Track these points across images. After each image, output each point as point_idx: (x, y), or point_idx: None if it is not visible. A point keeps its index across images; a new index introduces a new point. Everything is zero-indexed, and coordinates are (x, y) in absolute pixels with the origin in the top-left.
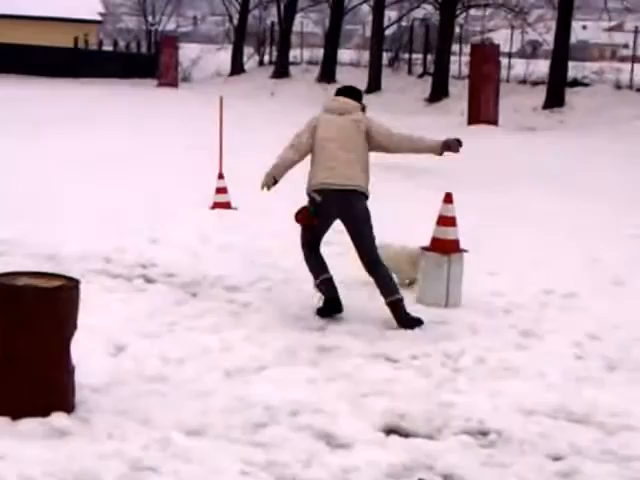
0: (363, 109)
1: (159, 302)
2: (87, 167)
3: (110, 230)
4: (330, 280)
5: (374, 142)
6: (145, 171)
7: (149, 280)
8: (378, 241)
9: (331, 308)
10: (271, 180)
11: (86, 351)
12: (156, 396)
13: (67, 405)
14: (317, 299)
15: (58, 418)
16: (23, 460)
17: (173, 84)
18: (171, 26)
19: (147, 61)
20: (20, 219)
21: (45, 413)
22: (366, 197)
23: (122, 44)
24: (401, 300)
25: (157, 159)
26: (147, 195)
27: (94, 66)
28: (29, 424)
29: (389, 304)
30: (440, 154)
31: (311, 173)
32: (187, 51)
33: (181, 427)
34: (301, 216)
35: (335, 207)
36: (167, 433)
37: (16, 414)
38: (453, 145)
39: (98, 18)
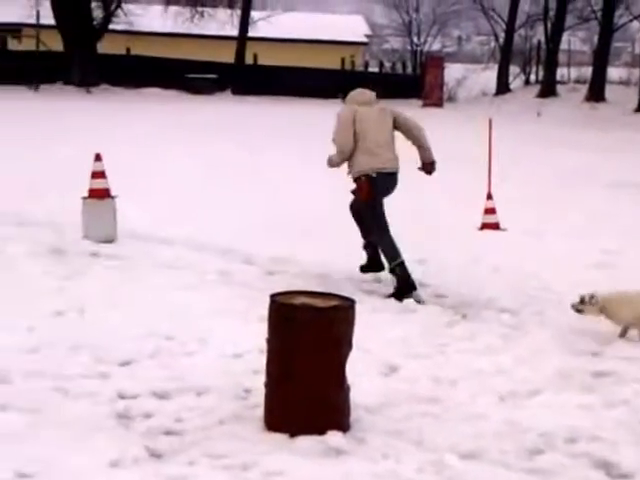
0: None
1: (430, 323)
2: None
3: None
4: (404, 263)
5: (403, 128)
6: (414, 189)
7: (419, 300)
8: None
9: (409, 288)
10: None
11: (360, 371)
12: (429, 417)
13: (343, 424)
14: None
15: (334, 437)
16: (300, 477)
17: (438, 104)
18: (436, 46)
19: (412, 81)
20: (289, 237)
21: (321, 431)
22: None
23: (387, 65)
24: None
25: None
26: (416, 216)
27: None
28: (306, 442)
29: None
30: (422, 165)
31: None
32: (452, 71)
33: (455, 450)
34: (365, 192)
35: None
36: (441, 455)
37: (294, 431)
38: (428, 167)
39: (364, 40)
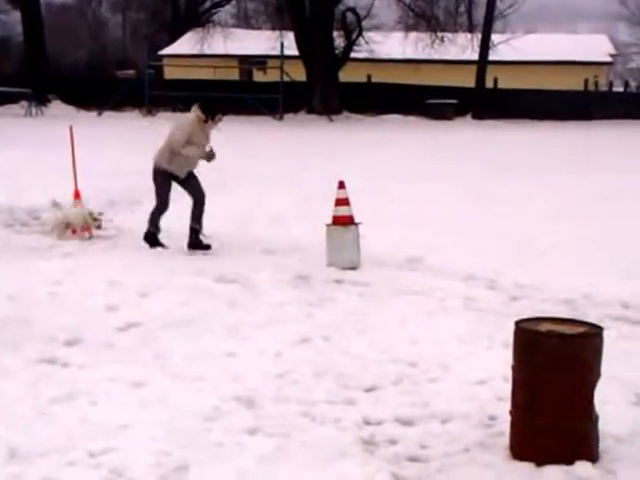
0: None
1: None
2: (586, 207)
3: (626, 273)
4: None
5: None
6: None
7: None
8: None
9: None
10: None
11: (608, 400)
12: None
13: (591, 454)
14: None
15: (583, 467)
16: None
17: None
18: None
19: None
20: (533, 262)
21: (569, 462)
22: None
23: (633, 84)
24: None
25: None
26: None
27: (605, 108)
28: (554, 472)
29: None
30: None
31: None
32: None
33: None
34: None
35: None
36: None
37: (541, 461)
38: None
39: (608, 59)
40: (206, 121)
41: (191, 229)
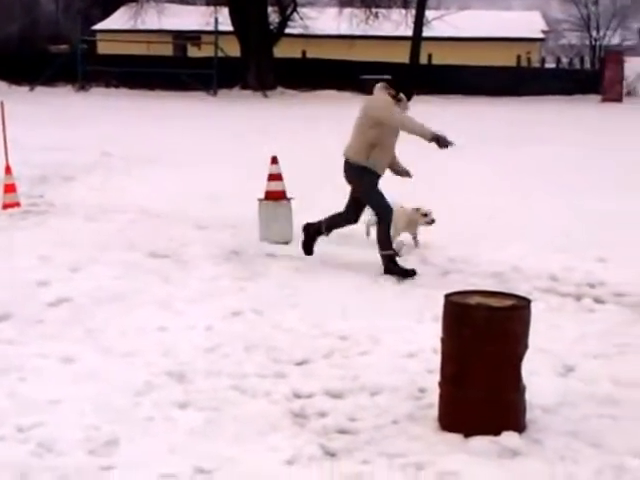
0: None
1: (609, 323)
2: (522, 182)
3: (554, 247)
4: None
5: None
6: (588, 186)
7: (598, 300)
8: None
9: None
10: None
11: (535, 371)
12: (608, 419)
13: (518, 425)
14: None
15: (510, 437)
16: (475, 477)
17: (617, 99)
18: (615, 40)
19: (590, 77)
20: (466, 236)
21: (497, 432)
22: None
23: (565, 61)
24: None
25: (600, 174)
26: (588, 211)
27: (535, 84)
28: (481, 442)
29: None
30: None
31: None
32: (632, 65)
33: (636, 453)
34: None
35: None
36: (621, 459)
37: (468, 432)
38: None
39: (541, 36)
40: (399, 100)
41: (383, 257)
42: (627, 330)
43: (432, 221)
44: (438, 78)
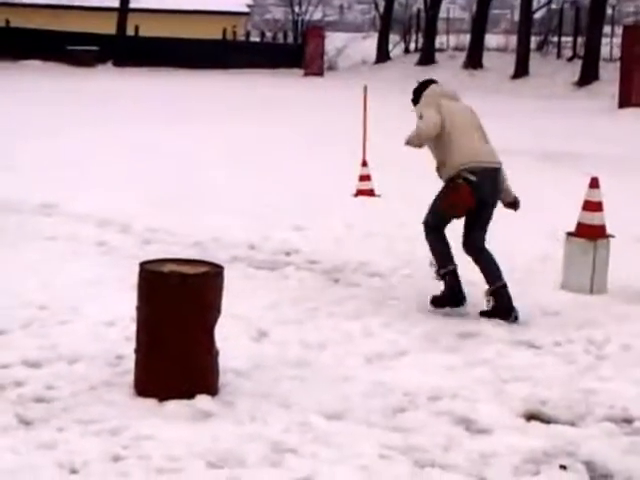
0: None
1: (302, 289)
2: (232, 156)
3: (255, 217)
4: (456, 271)
5: None
6: (289, 160)
7: (293, 267)
8: None
9: (452, 301)
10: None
11: (230, 336)
12: (297, 380)
13: (211, 388)
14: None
15: (202, 400)
16: (169, 440)
17: (319, 73)
18: (317, 15)
19: (293, 51)
20: (169, 207)
21: (190, 395)
22: None
23: (269, 35)
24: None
25: (301, 148)
26: (291, 183)
27: (242, 57)
28: (175, 406)
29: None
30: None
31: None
32: (333, 40)
33: (321, 411)
34: (463, 198)
35: (490, 186)
36: (307, 417)
37: (163, 396)
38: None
39: (246, 10)
40: None
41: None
42: (318, 296)
43: None
44: (145, 50)
